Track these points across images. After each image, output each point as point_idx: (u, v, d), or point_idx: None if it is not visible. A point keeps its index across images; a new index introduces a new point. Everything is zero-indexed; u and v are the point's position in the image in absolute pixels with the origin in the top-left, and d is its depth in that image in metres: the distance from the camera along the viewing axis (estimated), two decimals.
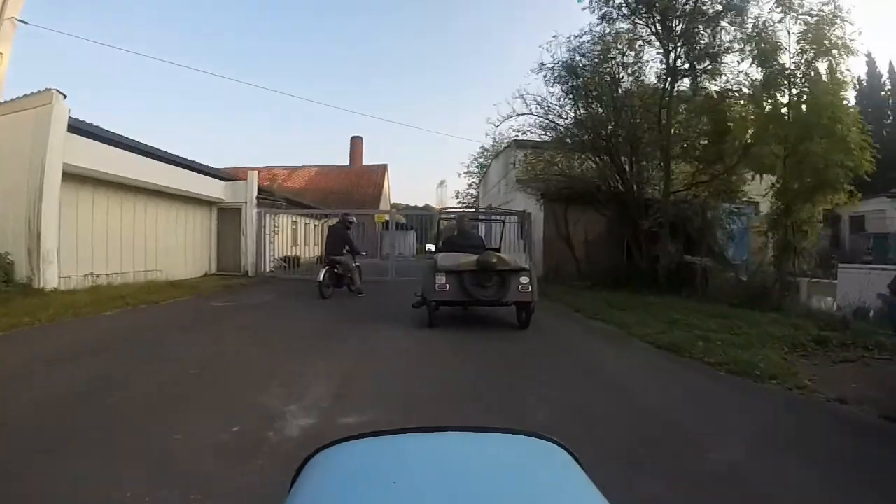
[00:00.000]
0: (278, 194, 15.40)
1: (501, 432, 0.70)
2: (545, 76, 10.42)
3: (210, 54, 70.47)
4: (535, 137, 11.17)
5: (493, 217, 12.55)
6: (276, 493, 0.69)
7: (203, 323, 6.53)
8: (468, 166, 38.84)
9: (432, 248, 10.64)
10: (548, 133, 10.99)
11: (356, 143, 39.01)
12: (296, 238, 17.34)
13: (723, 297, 8.72)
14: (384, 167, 34.54)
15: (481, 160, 36.37)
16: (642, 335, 5.65)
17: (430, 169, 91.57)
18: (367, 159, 36.55)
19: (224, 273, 12.66)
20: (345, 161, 36.20)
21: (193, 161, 11.84)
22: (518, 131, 11.24)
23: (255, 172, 12.63)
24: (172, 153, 11.16)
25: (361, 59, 75.78)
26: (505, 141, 14.38)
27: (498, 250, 6.80)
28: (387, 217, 14.39)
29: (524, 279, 5.65)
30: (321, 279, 8.30)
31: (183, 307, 7.74)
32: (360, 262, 9.47)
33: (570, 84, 9.89)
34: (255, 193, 12.58)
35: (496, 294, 5.62)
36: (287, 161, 34.47)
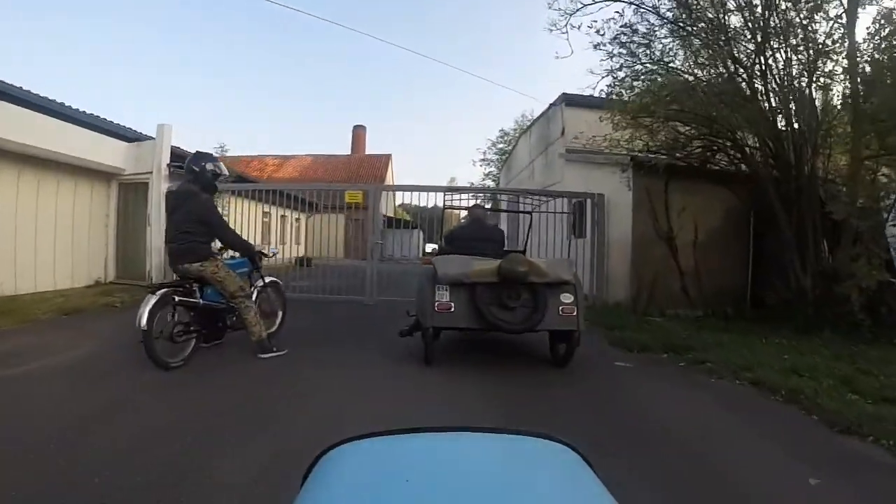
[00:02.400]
0: (230, 170, 10.73)
1: (513, 433, 0.68)
2: None
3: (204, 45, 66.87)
4: (620, 65, 6.60)
5: (523, 205, 8.25)
6: None
7: None
8: (484, 153, 34.47)
9: (435, 248, 6.53)
10: (645, 50, 6.42)
11: (358, 132, 34.92)
12: (266, 234, 13.11)
13: None
14: (388, 157, 30.28)
15: (501, 145, 31.93)
16: None
17: (438, 167, 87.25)
18: (370, 152, 32.42)
19: (122, 282, 8.27)
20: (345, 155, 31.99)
21: (72, 108, 7.46)
22: (600, 35, 6.64)
23: (170, 126, 8.05)
24: (32, 91, 6.81)
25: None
26: (526, 118, 9.78)
27: (523, 253, 4.55)
28: (359, 198, 9.19)
29: (567, 298, 3.68)
30: (143, 323, 3.34)
31: None
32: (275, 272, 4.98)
33: None
34: (167, 160, 8.05)
35: (526, 319, 3.62)
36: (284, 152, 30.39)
